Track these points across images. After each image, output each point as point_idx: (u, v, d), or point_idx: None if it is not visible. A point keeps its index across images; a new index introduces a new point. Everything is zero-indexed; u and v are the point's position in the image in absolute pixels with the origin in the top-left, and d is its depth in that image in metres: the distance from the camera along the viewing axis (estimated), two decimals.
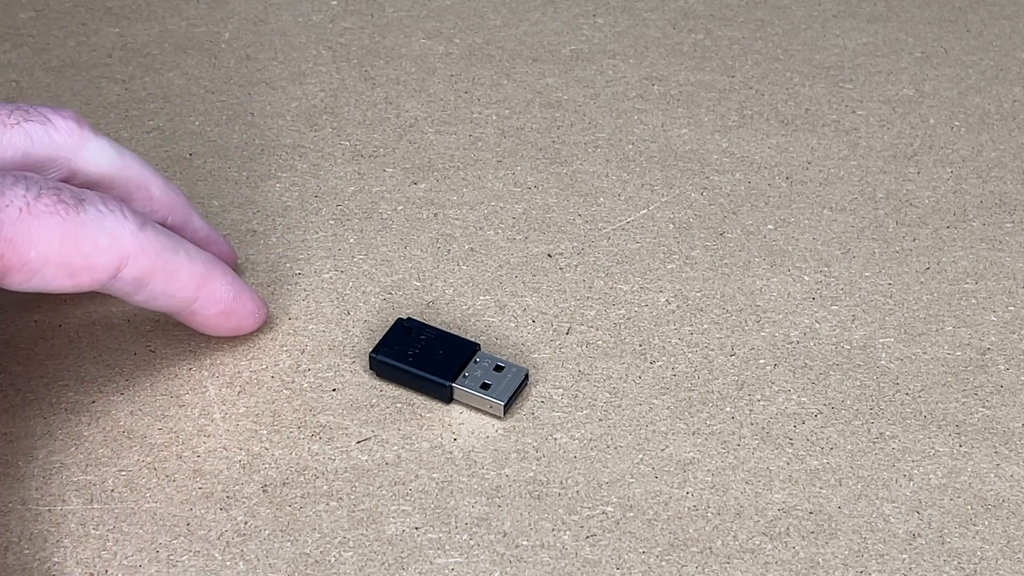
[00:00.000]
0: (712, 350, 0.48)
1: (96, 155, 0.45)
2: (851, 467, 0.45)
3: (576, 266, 0.51)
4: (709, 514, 0.44)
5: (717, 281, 0.50)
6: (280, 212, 0.52)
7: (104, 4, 0.61)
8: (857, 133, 0.56)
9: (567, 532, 0.43)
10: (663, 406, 0.47)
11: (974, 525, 0.44)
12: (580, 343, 0.48)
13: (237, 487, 0.44)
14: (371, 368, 0.47)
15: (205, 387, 0.47)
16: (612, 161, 0.55)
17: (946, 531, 0.44)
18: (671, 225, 0.52)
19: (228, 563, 0.42)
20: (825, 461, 0.45)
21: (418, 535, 0.43)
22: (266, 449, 0.45)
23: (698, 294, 0.50)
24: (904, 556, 0.43)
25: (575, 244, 0.51)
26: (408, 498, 0.44)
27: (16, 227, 0.40)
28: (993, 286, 0.50)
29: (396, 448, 0.45)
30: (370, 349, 0.47)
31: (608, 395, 0.47)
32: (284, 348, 0.48)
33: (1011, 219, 0.53)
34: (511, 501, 0.44)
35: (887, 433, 0.46)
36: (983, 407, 0.47)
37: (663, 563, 0.43)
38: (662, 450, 0.45)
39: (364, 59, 0.59)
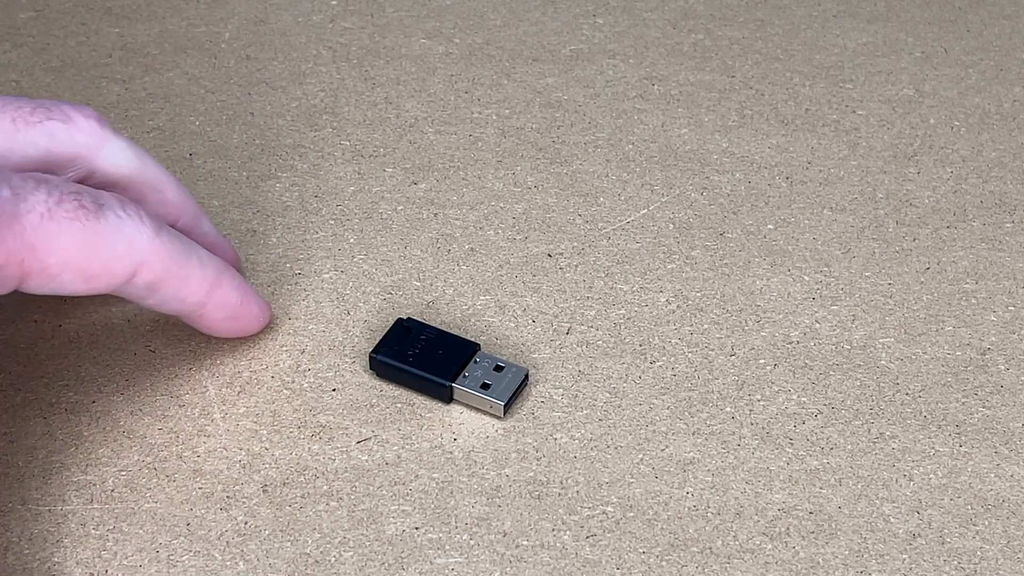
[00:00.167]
0: (712, 350, 0.48)
1: (116, 156, 0.45)
2: (851, 467, 0.45)
3: (576, 266, 0.51)
4: (709, 514, 0.44)
5: (717, 281, 0.50)
6: (280, 212, 0.52)
7: (104, 4, 0.61)
8: (857, 133, 0.56)
9: (567, 532, 0.43)
10: (663, 406, 0.46)
11: (974, 525, 0.44)
12: (580, 343, 0.48)
13: (237, 487, 0.44)
14: (371, 368, 0.47)
15: (205, 387, 0.47)
16: (612, 161, 0.55)
17: (946, 531, 0.44)
18: (671, 225, 0.52)
19: (228, 563, 0.42)
20: (825, 461, 0.45)
21: (418, 535, 0.43)
22: (266, 449, 0.45)
23: (698, 294, 0.50)
24: (904, 556, 0.43)
25: (575, 244, 0.51)
26: (408, 498, 0.44)
27: (37, 233, 0.40)
28: (993, 286, 0.50)
29: (396, 448, 0.45)
30: (370, 349, 0.47)
31: (608, 395, 0.47)
32: (284, 348, 0.48)
33: (1011, 219, 0.53)
34: (511, 501, 0.44)
35: (887, 433, 0.46)
36: (983, 407, 0.47)
37: (663, 563, 0.43)
38: (662, 450, 0.45)
39: (364, 59, 0.59)
